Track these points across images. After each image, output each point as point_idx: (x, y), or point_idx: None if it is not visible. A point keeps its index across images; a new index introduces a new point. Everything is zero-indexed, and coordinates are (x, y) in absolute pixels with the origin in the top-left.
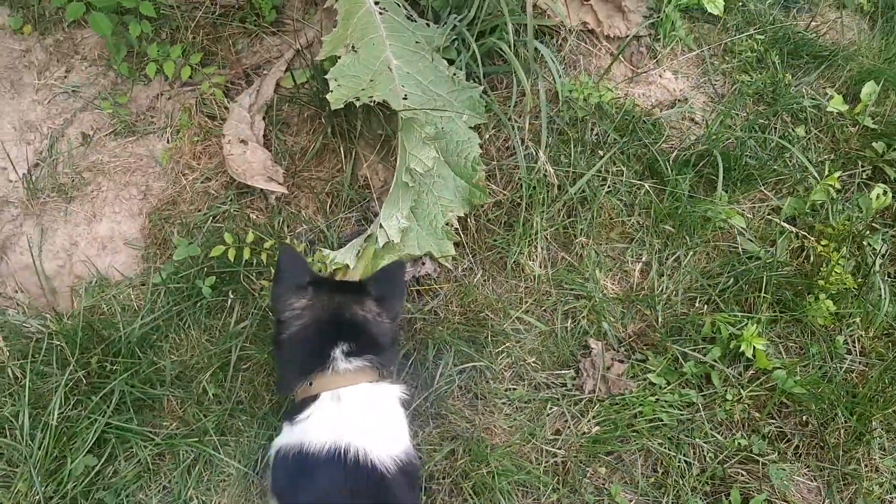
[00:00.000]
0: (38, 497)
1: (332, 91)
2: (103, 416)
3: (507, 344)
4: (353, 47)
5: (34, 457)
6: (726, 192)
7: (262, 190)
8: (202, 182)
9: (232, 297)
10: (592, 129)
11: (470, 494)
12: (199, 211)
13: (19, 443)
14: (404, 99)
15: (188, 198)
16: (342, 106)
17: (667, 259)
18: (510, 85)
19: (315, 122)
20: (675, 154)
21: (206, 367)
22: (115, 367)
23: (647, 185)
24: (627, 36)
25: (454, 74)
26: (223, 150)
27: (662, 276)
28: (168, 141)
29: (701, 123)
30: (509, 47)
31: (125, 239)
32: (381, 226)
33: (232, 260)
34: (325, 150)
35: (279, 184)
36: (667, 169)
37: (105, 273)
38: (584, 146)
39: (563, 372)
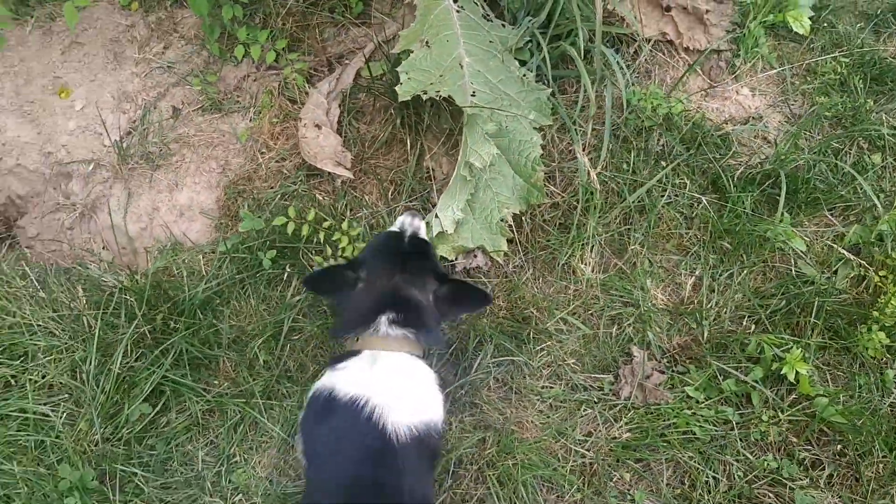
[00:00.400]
0: (96, 437)
1: (401, 83)
2: (161, 369)
3: (549, 343)
4: (426, 43)
5: (97, 400)
6: (790, 213)
7: (329, 173)
8: (277, 161)
9: (289, 270)
10: (658, 140)
11: (494, 483)
12: (272, 188)
13: (85, 385)
14: (472, 95)
15: (262, 175)
16: (409, 98)
17: (720, 275)
18: (580, 90)
19: (387, 112)
20: (740, 171)
21: (259, 334)
22: (177, 326)
23: (705, 200)
24: (707, 49)
25: (524, 75)
26: (299, 132)
27: (714, 291)
28: (250, 120)
29: (772, 143)
30: (579, 52)
31: (201, 208)
32: (436, 216)
33: (290, 234)
34: (393, 140)
35: (346, 168)
36: (730, 185)
37: (179, 238)
38: (648, 155)
39: (601, 376)
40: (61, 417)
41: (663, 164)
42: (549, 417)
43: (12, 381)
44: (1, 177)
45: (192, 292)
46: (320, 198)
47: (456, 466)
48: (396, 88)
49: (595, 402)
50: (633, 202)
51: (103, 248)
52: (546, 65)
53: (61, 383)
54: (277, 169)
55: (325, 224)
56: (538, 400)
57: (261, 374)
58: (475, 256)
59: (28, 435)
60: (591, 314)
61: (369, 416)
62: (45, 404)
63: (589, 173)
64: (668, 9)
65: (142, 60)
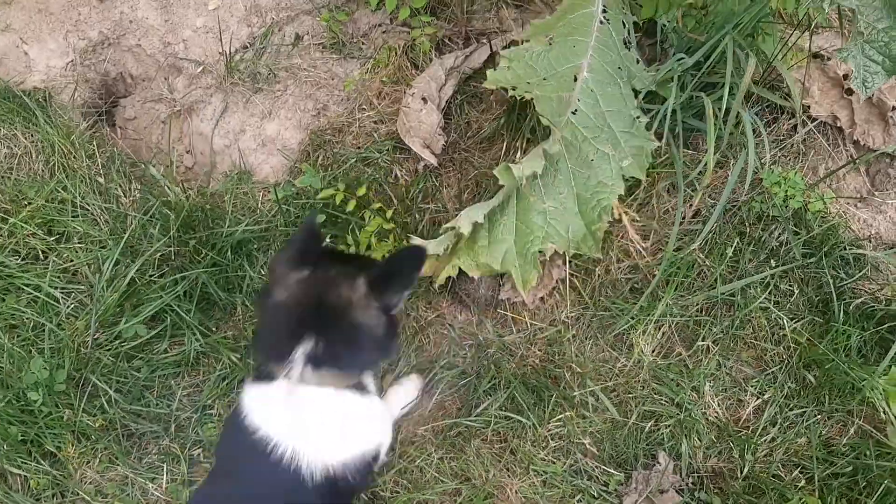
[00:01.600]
0: (88, 340)
1: (497, 69)
2: (169, 296)
3: (569, 413)
4: (550, 40)
5: (103, 302)
6: None
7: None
8: (373, 122)
9: (329, 239)
10: (778, 235)
11: None
12: (358, 148)
13: (96, 282)
14: (573, 113)
15: (354, 132)
16: (494, 87)
17: (790, 409)
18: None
19: (501, 107)
20: (861, 300)
21: None
22: (204, 257)
23: (806, 319)
24: (880, 149)
25: (637, 117)
26: (404, 100)
27: (776, 425)
28: (366, 72)
29: None
30: (718, 107)
31: (283, 145)
32: (459, 216)
33: (337, 203)
34: (494, 138)
35: (433, 153)
36: (840, 313)
37: (251, 168)
38: (760, 248)
39: (613, 471)
40: (69, 307)
41: (773, 263)
42: (536, 494)
43: (40, 256)
44: (120, 52)
45: (231, 228)
46: (399, 175)
47: None
48: (488, 73)
49: (594, 497)
50: (722, 294)
51: (187, 151)
52: (677, 113)
53: (83, 274)
54: (371, 130)
55: (375, 205)
56: (533, 471)
57: None
58: (507, 287)
59: (33, 314)
60: (630, 399)
61: (281, 457)
62: (59, 289)
63: (680, 247)
64: (850, 91)
65: None
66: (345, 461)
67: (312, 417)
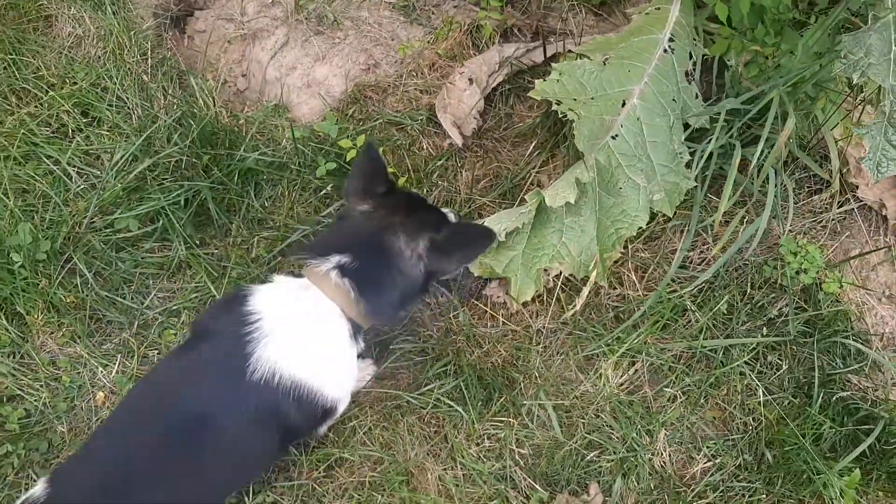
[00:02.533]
0: (84, 221)
1: (546, 80)
2: (166, 200)
3: (513, 420)
4: (605, 60)
5: (108, 188)
6: (864, 473)
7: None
8: (418, 91)
9: (331, 189)
10: (777, 305)
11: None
12: (395, 111)
13: (108, 169)
14: (613, 138)
15: (397, 96)
16: (538, 99)
17: (738, 483)
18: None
19: (543, 108)
20: (847, 393)
21: (275, 230)
22: (212, 175)
23: (784, 398)
24: None
25: (680, 153)
26: (451, 76)
27: (719, 491)
28: (427, 42)
29: None
30: (749, 160)
31: (327, 91)
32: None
33: (348, 159)
34: (529, 136)
35: (460, 134)
36: (819, 400)
37: (289, 104)
38: (756, 313)
39: (538, 488)
40: (78, 187)
41: (765, 331)
42: (456, 486)
43: (69, 133)
44: None
45: (246, 154)
46: (425, 146)
47: (337, 466)
48: (537, 83)
49: None
50: (704, 348)
51: (242, 74)
52: (713, 157)
53: (102, 161)
54: (412, 98)
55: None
56: (460, 464)
57: (254, 265)
58: (493, 283)
59: (45, 185)
60: (581, 423)
61: (255, 342)
62: (75, 168)
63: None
64: None
65: None
66: (304, 384)
67: (306, 327)
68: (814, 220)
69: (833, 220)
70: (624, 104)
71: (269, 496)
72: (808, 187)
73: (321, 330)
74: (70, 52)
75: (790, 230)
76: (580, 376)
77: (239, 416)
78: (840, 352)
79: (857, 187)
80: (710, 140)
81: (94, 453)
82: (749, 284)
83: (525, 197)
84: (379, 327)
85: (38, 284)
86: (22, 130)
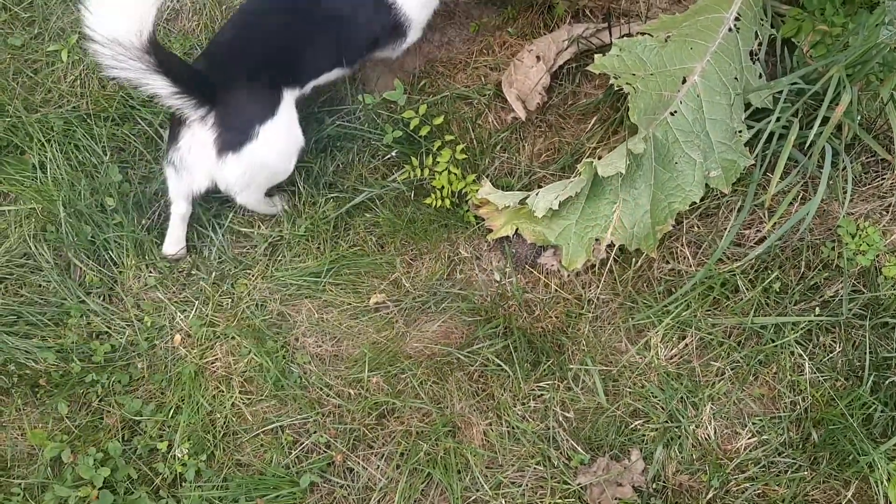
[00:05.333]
0: None
1: (606, 55)
2: None
3: (559, 383)
4: (667, 38)
5: None
6: None
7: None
8: (487, 67)
9: (395, 154)
10: (833, 287)
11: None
12: (464, 87)
13: None
14: (671, 114)
15: (466, 72)
16: (597, 73)
17: (782, 460)
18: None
19: (607, 85)
20: None
21: (344, 192)
22: None
23: (836, 381)
24: None
25: (740, 131)
26: (519, 53)
27: (762, 467)
28: (501, 21)
29: None
30: (804, 141)
31: (403, 67)
32: (538, 193)
33: (410, 129)
34: (592, 111)
35: (524, 108)
36: (876, 387)
37: (366, 77)
38: (809, 293)
39: (580, 450)
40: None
41: (818, 311)
42: (500, 441)
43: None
44: None
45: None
46: (490, 120)
47: (388, 415)
48: (596, 57)
49: (552, 466)
50: (753, 324)
51: None
52: (773, 136)
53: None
54: (482, 74)
55: (448, 137)
56: (504, 420)
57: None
58: (553, 253)
59: (139, 144)
60: (626, 391)
61: None
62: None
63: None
64: None
65: None
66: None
67: None
68: (879, 204)
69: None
70: (684, 81)
71: (322, 437)
72: (874, 171)
73: None
74: (167, 26)
75: (851, 212)
76: (629, 346)
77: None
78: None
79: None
80: (771, 119)
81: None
82: (805, 265)
83: (578, 167)
84: None
85: (132, 230)
86: (120, 94)
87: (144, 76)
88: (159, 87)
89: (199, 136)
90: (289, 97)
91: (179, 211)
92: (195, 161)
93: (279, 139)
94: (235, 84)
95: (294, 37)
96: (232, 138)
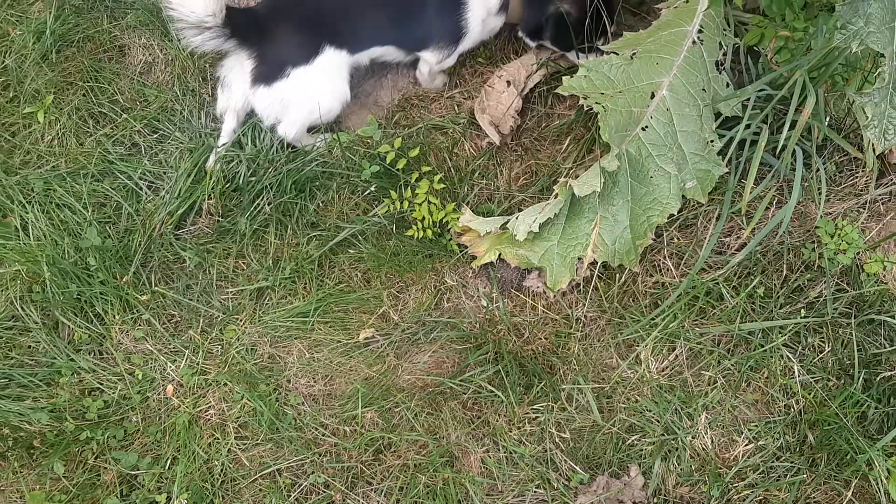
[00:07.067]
0: (153, 230)
1: (574, 77)
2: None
3: (552, 404)
4: (633, 55)
5: (172, 203)
6: None
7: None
8: (463, 97)
9: (374, 189)
10: (817, 287)
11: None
12: (440, 117)
13: (171, 186)
14: (643, 129)
15: (441, 104)
16: (566, 95)
17: (780, 464)
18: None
19: (579, 105)
20: (891, 376)
21: (326, 231)
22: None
23: (827, 381)
24: None
25: (711, 141)
26: (490, 80)
27: (761, 473)
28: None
29: None
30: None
31: (376, 101)
32: (517, 217)
33: (387, 163)
34: (566, 132)
35: (497, 133)
36: (868, 385)
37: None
38: (794, 295)
39: (578, 470)
40: (146, 198)
41: (803, 313)
42: (499, 468)
43: (142, 151)
44: None
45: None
46: (467, 148)
47: (384, 449)
48: (564, 79)
49: (552, 488)
50: (742, 331)
51: None
52: (745, 143)
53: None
54: (456, 104)
55: (425, 168)
56: (501, 446)
57: (300, 259)
58: (533, 274)
59: (119, 197)
60: (620, 407)
61: None
62: (147, 181)
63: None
64: None
65: None
66: None
67: None
68: (856, 202)
69: (876, 201)
70: (653, 96)
71: (320, 477)
72: (848, 169)
73: None
74: (141, 78)
75: (829, 212)
76: (620, 362)
77: None
78: (886, 332)
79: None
80: (740, 127)
81: None
82: (787, 268)
83: (555, 188)
84: None
85: (116, 286)
86: (98, 150)
87: (223, 44)
88: (230, 46)
89: (242, 62)
90: (332, 54)
91: (228, 127)
92: (234, 81)
93: (310, 85)
94: (281, 30)
95: (350, 4)
96: (266, 72)
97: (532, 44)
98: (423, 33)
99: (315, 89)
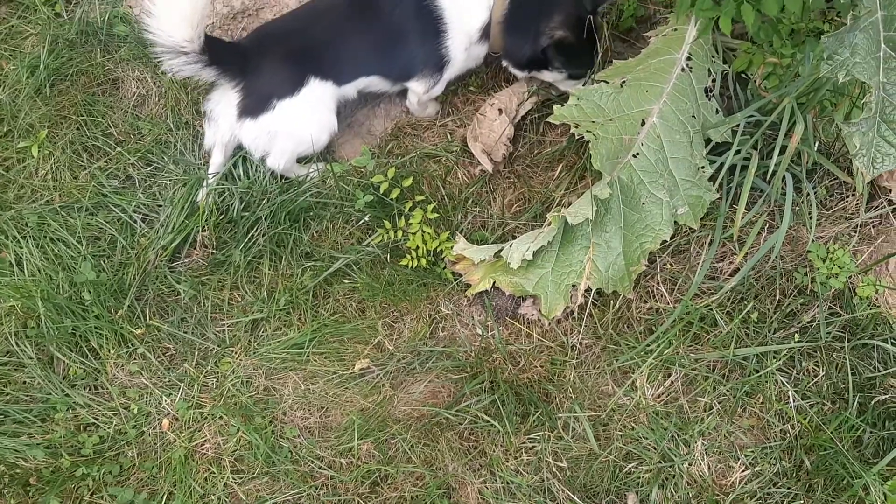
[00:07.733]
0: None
1: (565, 105)
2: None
3: (549, 433)
4: (623, 83)
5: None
6: None
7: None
8: (456, 125)
9: (367, 219)
10: (810, 312)
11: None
12: (433, 146)
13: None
14: (634, 156)
15: (433, 132)
16: (558, 123)
17: (777, 491)
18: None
19: (567, 134)
20: (886, 399)
21: (320, 261)
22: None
23: (822, 406)
24: None
25: (702, 167)
26: (481, 108)
27: (761, 501)
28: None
29: None
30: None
31: (369, 130)
32: (511, 245)
33: (381, 192)
34: (558, 159)
35: (490, 160)
36: (863, 409)
37: (336, 145)
38: (787, 320)
39: (575, 499)
40: (140, 231)
41: (797, 338)
42: (496, 499)
43: (137, 184)
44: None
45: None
46: (460, 176)
47: (381, 482)
48: (555, 107)
49: None
50: (735, 356)
51: None
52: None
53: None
54: (448, 132)
55: (418, 198)
56: (498, 476)
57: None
58: (528, 301)
59: (113, 230)
60: (616, 435)
61: None
62: (141, 214)
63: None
64: None
65: None
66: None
67: None
68: (847, 225)
69: (867, 224)
70: (643, 123)
71: None
72: (839, 193)
73: None
74: (135, 111)
75: (820, 236)
76: (615, 389)
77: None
78: (879, 356)
79: (890, 191)
80: (730, 153)
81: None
82: (780, 292)
83: (548, 216)
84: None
85: (111, 320)
86: (93, 183)
87: (201, 72)
88: (209, 75)
89: (228, 95)
90: (317, 85)
91: (216, 160)
92: (221, 115)
93: (296, 116)
94: (267, 63)
95: (334, 36)
96: (252, 105)
97: (520, 74)
98: (406, 62)
99: (301, 121)
